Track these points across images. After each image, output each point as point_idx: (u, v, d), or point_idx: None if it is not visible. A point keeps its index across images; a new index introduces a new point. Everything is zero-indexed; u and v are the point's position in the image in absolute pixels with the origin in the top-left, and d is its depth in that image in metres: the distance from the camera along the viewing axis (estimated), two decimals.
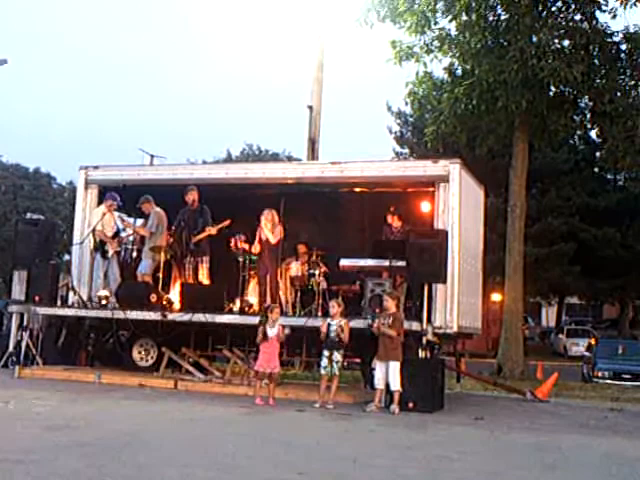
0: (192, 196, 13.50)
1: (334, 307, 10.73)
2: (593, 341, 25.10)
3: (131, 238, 14.47)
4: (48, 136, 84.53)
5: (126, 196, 13.97)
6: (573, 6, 19.90)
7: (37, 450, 6.47)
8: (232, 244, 13.73)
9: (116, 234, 14.09)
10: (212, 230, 13.39)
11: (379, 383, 10.41)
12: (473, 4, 18.66)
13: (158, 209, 13.77)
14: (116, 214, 14.24)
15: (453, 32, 20.28)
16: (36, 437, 7.19)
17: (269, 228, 13.05)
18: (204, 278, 13.42)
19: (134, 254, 14.33)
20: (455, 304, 11.74)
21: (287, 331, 10.94)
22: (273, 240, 13.04)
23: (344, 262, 12.80)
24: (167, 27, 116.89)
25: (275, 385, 10.74)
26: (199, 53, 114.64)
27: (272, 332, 10.63)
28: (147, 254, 13.60)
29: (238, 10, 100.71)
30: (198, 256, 13.44)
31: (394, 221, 13.18)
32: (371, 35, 21.37)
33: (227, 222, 13.43)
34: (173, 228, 13.81)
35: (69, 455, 6.35)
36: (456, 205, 12.03)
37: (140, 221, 14.56)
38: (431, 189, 12.41)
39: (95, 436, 7.36)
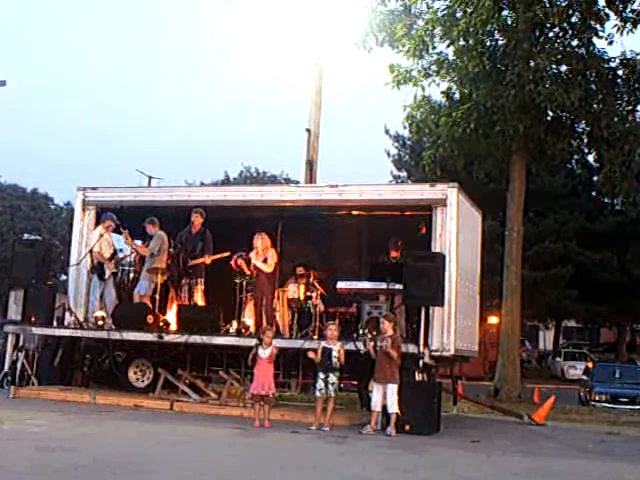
0: (194, 218, 13.45)
1: (334, 331, 10.72)
2: (590, 364, 25.08)
3: (129, 259, 14.47)
4: (46, 156, 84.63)
5: (124, 218, 13.98)
6: (570, 32, 20.08)
7: (31, 471, 6.43)
8: (233, 262, 13.61)
9: (113, 255, 14.07)
10: (207, 260, 13.35)
11: (376, 405, 10.38)
12: (471, 29, 18.81)
13: (161, 232, 13.74)
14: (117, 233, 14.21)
15: (451, 57, 20.44)
16: (30, 458, 7.15)
17: (260, 259, 12.96)
18: (199, 300, 13.39)
19: (131, 275, 14.32)
20: (452, 327, 11.74)
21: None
22: (267, 270, 12.96)
23: (341, 284, 12.81)
24: (165, 49, 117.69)
25: (270, 407, 10.69)
26: (197, 75, 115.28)
27: (264, 354, 10.60)
28: (145, 275, 13.58)
29: (236, 33, 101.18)
30: (193, 278, 13.41)
31: (394, 253, 13.13)
32: (369, 59, 21.57)
33: (226, 253, 13.40)
34: (172, 250, 13.80)
35: (63, 476, 6.32)
36: (453, 229, 12.06)
37: (139, 242, 14.55)
38: (428, 213, 12.45)
39: (90, 457, 7.32)
